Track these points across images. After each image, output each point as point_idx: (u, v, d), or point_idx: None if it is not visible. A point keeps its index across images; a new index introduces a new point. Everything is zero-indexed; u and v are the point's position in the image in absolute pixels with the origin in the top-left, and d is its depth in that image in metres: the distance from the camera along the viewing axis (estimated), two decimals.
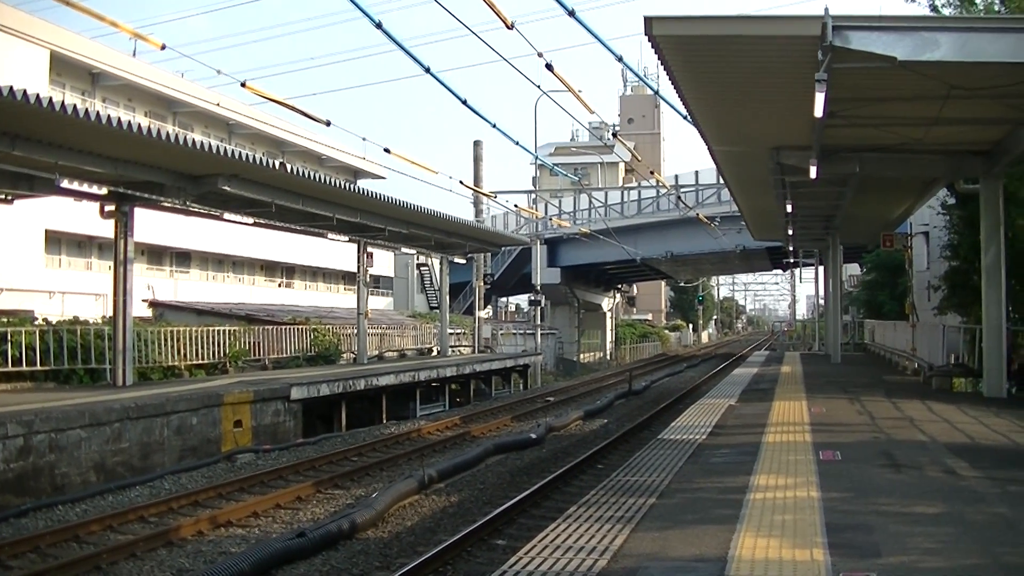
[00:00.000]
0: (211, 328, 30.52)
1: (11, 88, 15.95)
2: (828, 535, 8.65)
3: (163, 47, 18.51)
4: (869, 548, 8.19)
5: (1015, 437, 15.53)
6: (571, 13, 17.66)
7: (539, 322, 54.05)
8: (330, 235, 34.35)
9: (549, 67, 19.90)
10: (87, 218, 32.96)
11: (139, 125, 19.22)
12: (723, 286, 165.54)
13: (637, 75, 26.61)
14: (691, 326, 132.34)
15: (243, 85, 19.82)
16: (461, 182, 36.46)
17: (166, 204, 25.01)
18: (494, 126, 24.90)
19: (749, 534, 8.76)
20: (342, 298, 63.14)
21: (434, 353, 46.03)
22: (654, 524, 9.37)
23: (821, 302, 57.11)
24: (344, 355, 38.50)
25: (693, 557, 8.10)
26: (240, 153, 22.71)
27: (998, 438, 15.47)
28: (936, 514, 9.60)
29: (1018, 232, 23.94)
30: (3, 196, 23.45)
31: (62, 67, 42.94)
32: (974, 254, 24.24)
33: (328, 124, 22.59)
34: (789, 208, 31.76)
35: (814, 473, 11.85)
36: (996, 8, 24.96)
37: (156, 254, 50.46)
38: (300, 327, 36.47)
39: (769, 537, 8.63)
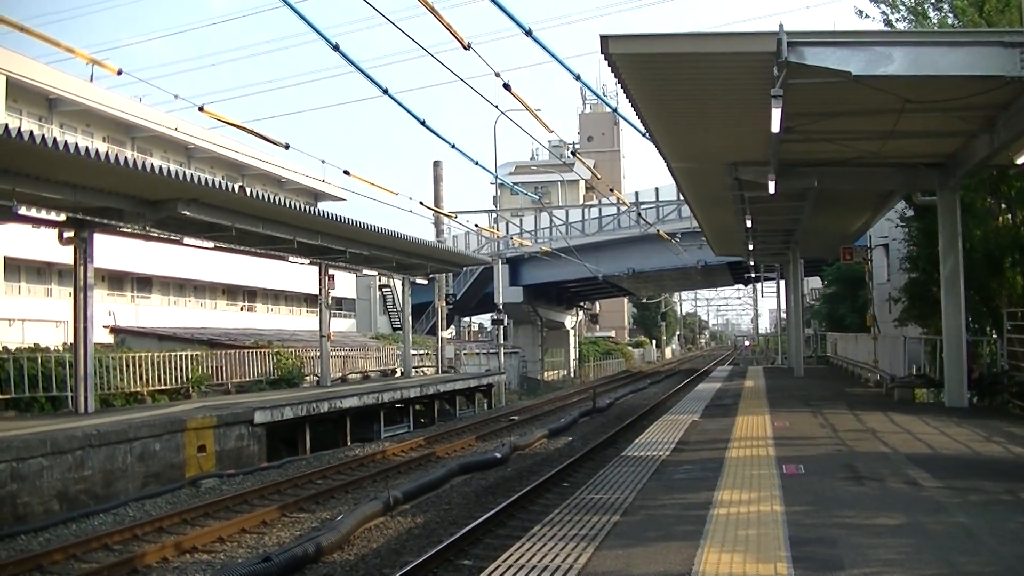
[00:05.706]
0: (173, 353, 30.37)
1: None
2: (791, 549, 8.68)
3: (119, 72, 18.44)
4: (832, 561, 8.22)
5: (975, 446, 15.65)
6: (528, 33, 17.68)
7: (502, 341, 53.91)
8: (291, 258, 34.28)
9: (507, 87, 19.91)
10: (46, 244, 32.70)
11: (97, 151, 19.11)
12: (686, 301, 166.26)
13: (595, 93, 26.71)
14: (654, 342, 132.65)
15: (201, 109, 19.72)
16: (421, 203, 36.39)
17: (125, 229, 24.89)
18: (453, 146, 24.87)
19: (713, 550, 8.77)
20: (304, 321, 62.94)
21: (397, 374, 45.99)
22: (618, 542, 9.37)
23: (783, 316, 57.31)
24: (307, 378, 38.36)
25: (657, 574, 8.10)
26: (199, 177, 22.62)
27: (959, 448, 15.57)
28: (898, 525, 9.64)
29: (975, 243, 24.17)
30: None
31: (18, 93, 42.74)
32: (933, 265, 24.41)
33: (287, 147, 22.50)
34: (749, 223, 31.93)
35: (777, 487, 11.88)
36: (950, 22, 25.22)
37: (117, 280, 50.22)
38: (263, 351, 36.37)
39: (733, 552, 8.64)
